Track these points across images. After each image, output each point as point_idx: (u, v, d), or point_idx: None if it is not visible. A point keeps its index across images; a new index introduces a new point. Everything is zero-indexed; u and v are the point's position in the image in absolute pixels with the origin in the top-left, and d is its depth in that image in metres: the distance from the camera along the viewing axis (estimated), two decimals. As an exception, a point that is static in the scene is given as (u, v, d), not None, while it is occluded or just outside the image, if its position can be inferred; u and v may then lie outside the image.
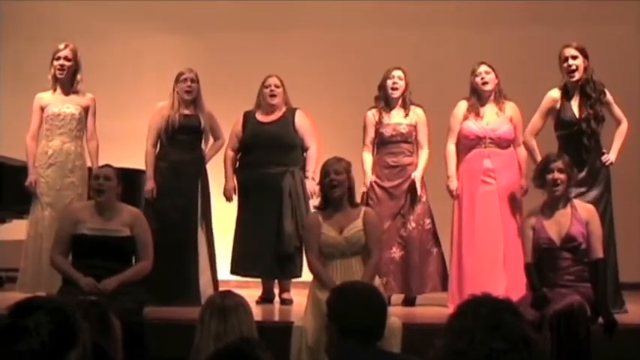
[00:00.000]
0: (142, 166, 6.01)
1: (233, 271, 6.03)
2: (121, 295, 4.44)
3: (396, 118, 5.88)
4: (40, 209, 5.73)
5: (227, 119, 6.10)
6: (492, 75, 5.70)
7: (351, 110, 6.57)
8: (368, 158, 5.89)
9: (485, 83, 5.69)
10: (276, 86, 5.97)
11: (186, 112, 5.90)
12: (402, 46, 7.51)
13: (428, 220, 5.84)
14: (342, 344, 2.73)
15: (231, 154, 6.03)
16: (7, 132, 7.63)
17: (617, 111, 5.48)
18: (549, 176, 4.54)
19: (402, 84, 5.89)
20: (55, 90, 5.88)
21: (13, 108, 7.70)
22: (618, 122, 5.48)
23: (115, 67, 7.77)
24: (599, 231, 4.56)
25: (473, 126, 5.67)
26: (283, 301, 5.89)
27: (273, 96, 5.96)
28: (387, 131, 5.84)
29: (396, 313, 4.47)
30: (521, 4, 7.60)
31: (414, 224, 5.80)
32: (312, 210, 5.30)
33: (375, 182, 5.82)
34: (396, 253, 5.78)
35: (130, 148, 6.26)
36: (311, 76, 7.52)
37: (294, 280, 5.95)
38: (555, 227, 4.51)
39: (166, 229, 5.62)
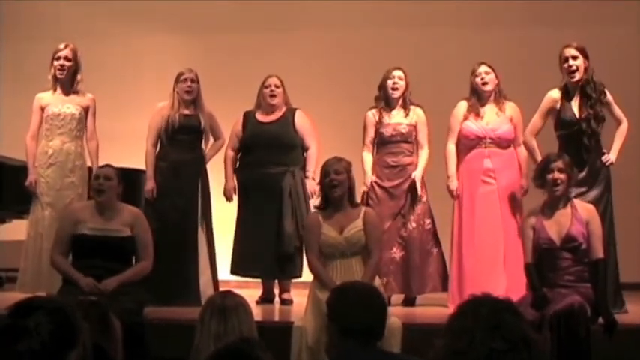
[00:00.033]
0: (142, 166, 6.01)
1: (233, 271, 6.04)
2: (121, 295, 4.44)
3: (397, 118, 5.88)
4: (40, 209, 5.73)
5: (227, 119, 6.10)
6: (492, 75, 5.71)
7: (351, 110, 6.57)
8: (368, 158, 5.89)
9: (485, 83, 5.69)
10: (276, 86, 5.97)
11: (186, 112, 5.90)
12: (402, 46, 7.51)
13: (428, 220, 5.84)
14: (342, 344, 2.73)
15: (231, 154, 6.03)
16: (7, 132, 7.63)
17: (618, 111, 5.48)
18: (549, 176, 4.54)
19: (402, 84, 5.89)
20: (55, 90, 5.88)
21: (13, 108, 7.70)
22: (618, 122, 5.48)
23: (115, 67, 7.77)
24: (599, 231, 4.56)
25: (473, 126, 5.67)
26: (283, 301, 5.89)
27: (273, 96, 5.96)
28: (387, 131, 5.85)
29: (396, 313, 4.47)
30: (521, 4, 7.60)
31: (414, 224, 5.80)
32: (313, 210, 5.30)
33: (376, 182, 5.82)
34: (397, 253, 5.78)
35: (130, 148, 6.25)
36: (311, 76, 7.52)
37: (294, 280, 5.95)
38: (555, 227, 4.51)
39: (166, 229, 5.62)
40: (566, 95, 5.46)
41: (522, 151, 5.68)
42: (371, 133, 5.90)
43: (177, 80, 5.92)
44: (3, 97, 8.19)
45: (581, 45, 5.43)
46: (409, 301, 5.86)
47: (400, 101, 5.90)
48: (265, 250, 5.80)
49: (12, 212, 6.55)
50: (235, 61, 7.81)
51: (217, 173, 6.11)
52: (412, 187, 5.79)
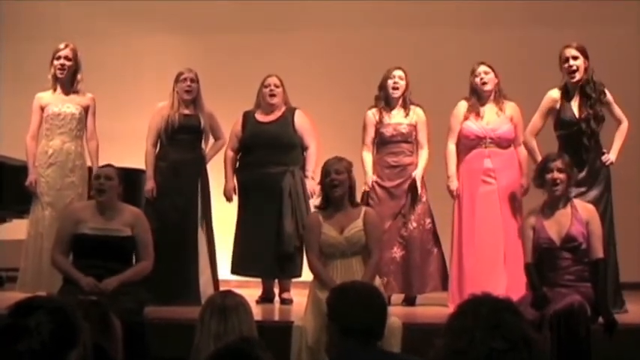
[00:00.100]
0: (142, 166, 6.01)
1: (233, 271, 6.04)
2: (122, 294, 4.44)
3: (397, 118, 5.88)
4: (41, 209, 5.73)
5: (227, 119, 6.10)
6: (491, 75, 5.70)
7: (351, 110, 6.57)
8: (368, 158, 5.89)
9: (484, 83, 5.69)
10: (276, 86, 5.97)
11: (186, 111, 5.91)
12: (402, 46, 7.51)
13: (428, 220, 5.85)
14: (342, 344, 2.73)
15: (231, 154, 6.03)
16: (7, 132, 7.63)
17: (618, 111, 5.48)
18: (549, 176, 4.54)
19: (402, 84, 5.89)
20: (55, 90, 5.88)
21: (13, 108, 7.70)
22: (619, 122, 5.48)
23: (115, 67, 7.77)
24: (599, 231, 4.56)
25: (473, 126, 5.67)
26: (283, 301, 5.89)
27: (272, 96, 5.96)
28: (387, 131, 5.85)
29: (396, 313, 4.47)
30: (521, 4, 7.60)
31: (414, 224, 5.80)
32: (313, 209, 5.30)
33: (376, 182, 5.82)
34: (397, 252, 5.78)
35: (130, 148, 6.25)
36: (311, 76, 7.52)
37: (294, 279, 5.95)
38: (555, 227, 4.51)
39: (166, 228, 5.63)
40: (566, 95, 5.46)
41: (522, 150, 5.68)
42: (371, 133, 5.90)
43: (177, 80, 5.93)
44: (3, 97, 8.19)
45: (582, 45, 5.43)
46: (409, 301, 5.86)
47: (400, 101, 5.91)
48: (265, 250, 5.80)
49: (12, 212, 6.56)
50: (235, 61, 7.81)
51: (217, 173, 6.11)
52: (412, 186, 5.79)
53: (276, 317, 5.56)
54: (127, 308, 4.22)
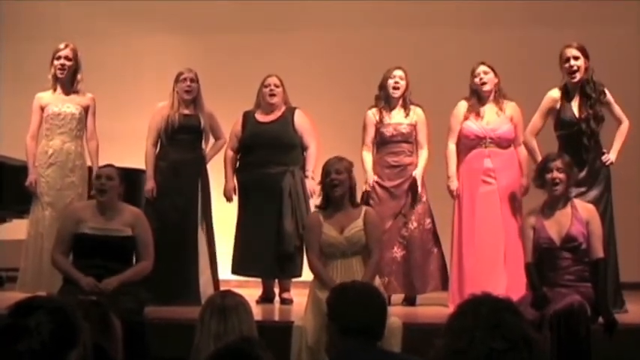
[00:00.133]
0: (142, 166, 6.01)
1: (234, 272, 6.04)
2: (122, 294, 4.44)
3: (397, 118, 5.88)
4: (41, 209, 5.73)
5: (227, 119, 6.10)
6: (491, 75, 5.70)
7: (351, 110, 6.57)
8: (368, 157, 5.90)
9: (483, 84, 5.69)
10: (276, 86, 5.97)
11: (186, 111, 5.91)
12: (402, 46, 7.51)
13: (428, 220, 5.85)
14: (342, 344, 2.73)
15: (231, 154, 6.03)
16: (7, 132, 7.63)
17: (618, 111, 5.48)
18: (549, 176, 4.55)
19: (403, 84, 5.89)
20: (55, 90, 5.88)
21: (13, 108, 7.70)
22: (619, 122, 5.48)
23: (115, 67, 7.77)
24: (599, 231, 4.56)
25: (473, 126, 5.67)
26: (283, 301, 5.89)
27: (272, 95, 5.96)
28: (387, 131, 5.85)
29: (397, 313, 4.47)
30: (521, 4, 7.60)
31: (415, 224, 5.80)
32: (313, 209, 5.30)
33: (377, 182, 5.83)
34: (398, 252, 5.78)
35: (130, 148, 6.25)
36: (311, 76, 7.52)
37: (294, 279, 5.95)
38: (555, 227, 4.51)
39: (166, 228, 5.63)
40: (566, 95, 5.46)
41: (522, 150, 5.68)
42: (371, 133, 5.90)
43: (176, 80, 5.93)
44: (3, 97, 8.19)
45: (582, 45, 5.43)
46: (409, 301, 5.86)
47: (400, 101, 5.91)
48: (265, 250, 5.80)
49: (12, 212, 6.56)
50: (235, 61, 7.81)
51: (217, 173, 6.11)
52: (413, 186, 5.79)
53: (276, 317, 5.56)
54: (127, 308, 4.22)
